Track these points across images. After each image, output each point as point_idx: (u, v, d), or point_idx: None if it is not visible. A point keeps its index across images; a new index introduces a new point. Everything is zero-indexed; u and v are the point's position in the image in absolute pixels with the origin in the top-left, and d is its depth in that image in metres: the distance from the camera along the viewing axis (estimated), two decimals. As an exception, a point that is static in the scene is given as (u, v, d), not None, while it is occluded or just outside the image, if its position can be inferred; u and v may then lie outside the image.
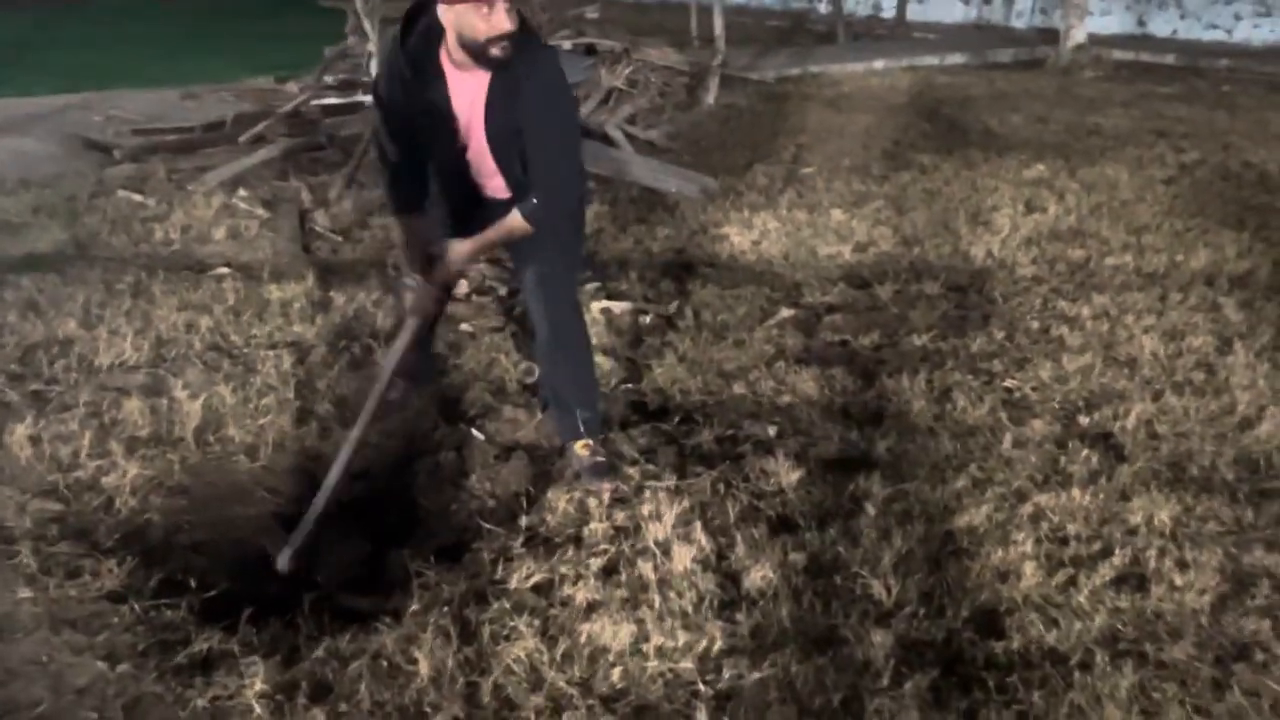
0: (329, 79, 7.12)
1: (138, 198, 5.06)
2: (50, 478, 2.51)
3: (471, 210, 2.60)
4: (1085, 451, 2.73)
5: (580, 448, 2.64)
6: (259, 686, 1.85)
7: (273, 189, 5.33)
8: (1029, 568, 2.22)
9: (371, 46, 6.33)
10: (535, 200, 2.36)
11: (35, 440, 2.65)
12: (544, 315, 2.60)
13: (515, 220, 2.40)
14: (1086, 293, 3.97)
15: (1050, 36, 13.28)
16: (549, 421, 2.86)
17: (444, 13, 2.19)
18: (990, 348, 3.45)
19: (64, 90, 8.60)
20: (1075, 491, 2.53)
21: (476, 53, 2.21)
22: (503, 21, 2.15)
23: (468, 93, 2.33)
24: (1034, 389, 3.14)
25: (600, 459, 2.62)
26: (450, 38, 2.24)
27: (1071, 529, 2.39)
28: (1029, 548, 2.30)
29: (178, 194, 5.14)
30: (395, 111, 2.41)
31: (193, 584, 2.20)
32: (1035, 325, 3.66)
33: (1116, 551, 2.30)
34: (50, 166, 5.65)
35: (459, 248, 2.53)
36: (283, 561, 2.32)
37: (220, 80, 9.15)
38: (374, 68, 6.24)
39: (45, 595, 2.07)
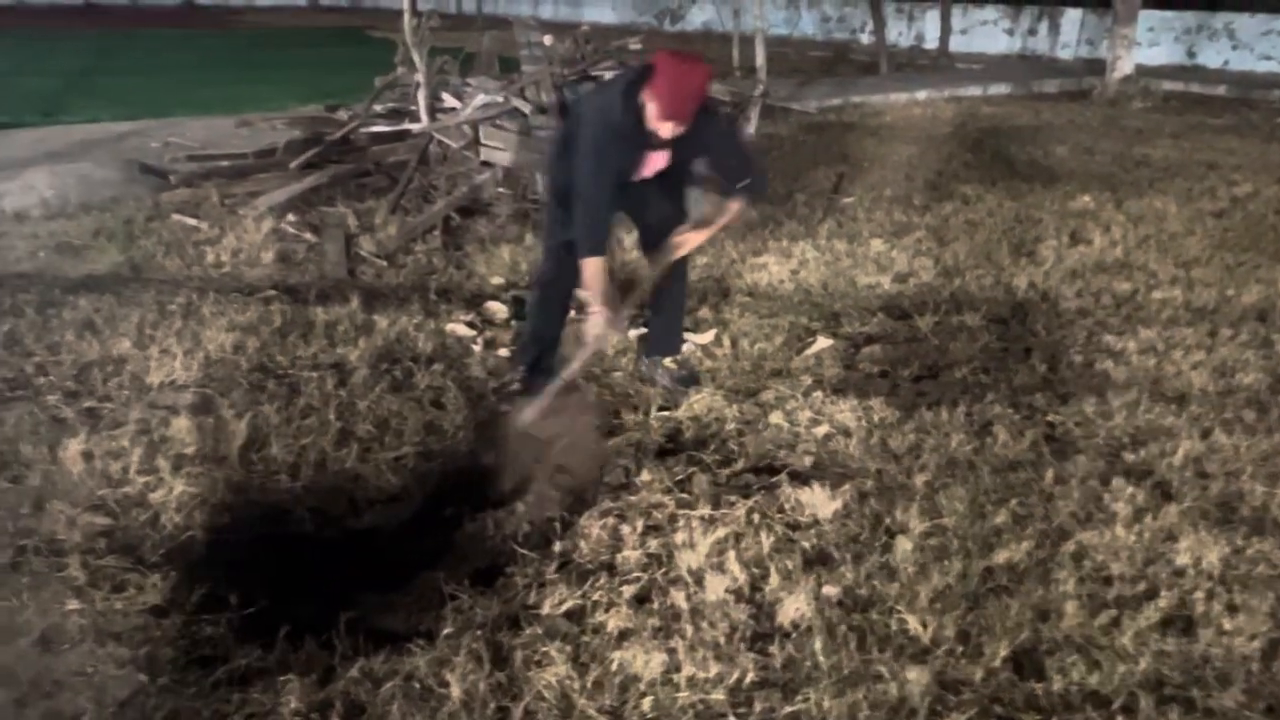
0: (378, 107, 7.28)
1: (191, 221, 5.21)
2: (100, 492, 2.58)
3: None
4: (1130, 489, 2.67)
5: (670, 363, 3.41)
6: (294, 705, 1.87)
7: (320, 214, 5.46)
8: (1070, 607, 2.17)
9: (419, 76, 6.46)
10: (745, 185, 2.99)
11: (88, 456, 2.73)
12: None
13: (735, 206, 3.03)
14: (1133, 326, 3.91)
15: (1097, 67, 13.18)
16: (653, 341, 3.47)
17: (646, 96, 2.73)
18: (1032, 381, 3.41)
19: (124, 117, 8.92)
20: (1119, 530, 2.47)
21: (646, 131, 2.78)
22: (665, 130, 2.75)
23: (657, 160, 2.91)
24: (1077, 424, 3.08)
25: (685, 372, 3.41)
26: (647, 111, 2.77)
27: (1115, 569, 2.34)
28: (1070, 587, 2.25)
29: (229, 218, 5.28)
30: (615, 168, 2.85)
31: (233, 601, 2.23)
32: (1079, 359, 3.60)
33: (1162, 593, 2.24)
34: (109, 191, 5.84)
35: (692, 234, 3.06)
36: (521, 419, 2.79)
37: (272, 108, 9.41)
38: (421, 98, 6.39)
39: (92, 607, 2.12)
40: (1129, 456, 2.88)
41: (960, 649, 2.06)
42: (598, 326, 2.88)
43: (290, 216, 5.36)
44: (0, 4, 32.44)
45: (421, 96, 6.46)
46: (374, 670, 1.99)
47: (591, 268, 2.86)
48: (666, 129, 2.76)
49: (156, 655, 2.00)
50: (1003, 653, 2.04)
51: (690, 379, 3.40)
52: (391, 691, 1.92)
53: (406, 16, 6.38)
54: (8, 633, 2.03)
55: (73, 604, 2.13)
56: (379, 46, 15.19)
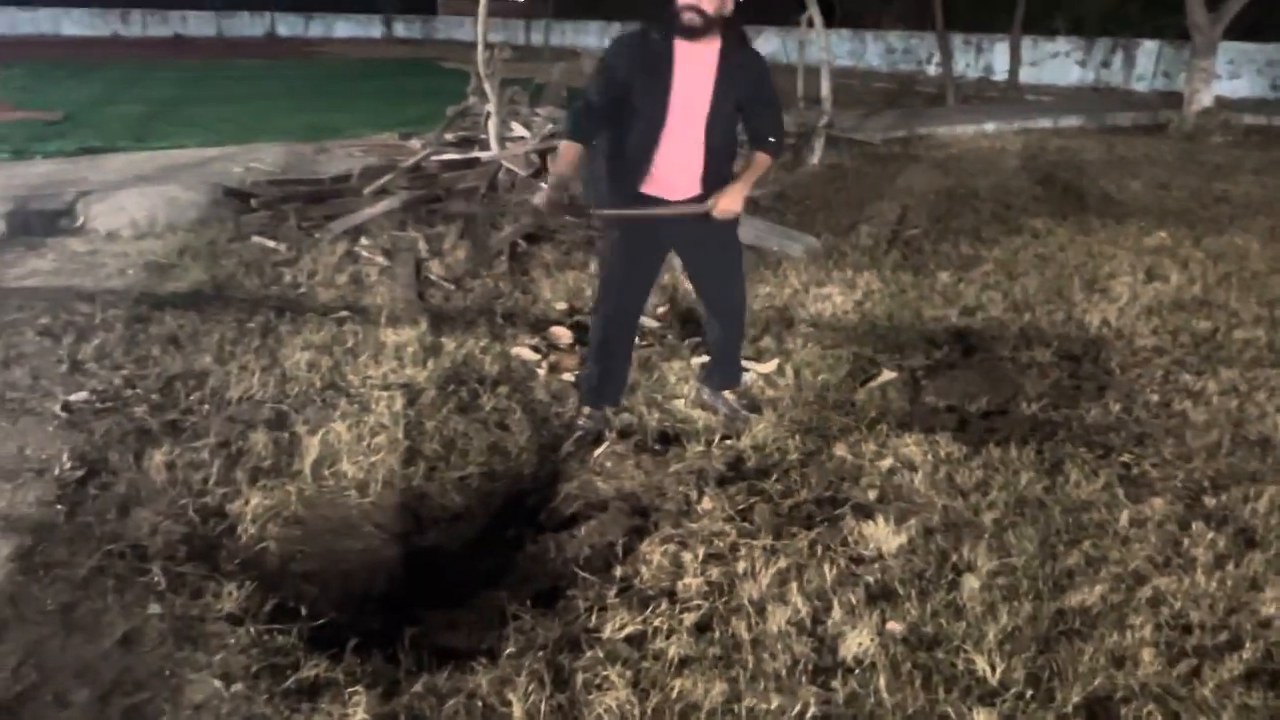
0: (449, 136, 7.49)
1: (270, 243, 5.41)
2: (181, 501, 2.68)
3: (632, 196, 3.02)
4: (1211, 534, 2.57)
5: (729, 395, 3.43)
6: (361, 716, 1.91)
7: (392, 238, 5.61)
8: (1147, 655, 2.10)
9: (490, 106, 6.64)
10: (774, 141, 3.06)
11: (170, 466, 2.84)
12: (733, 283, 3.27)
13: (766, 160, 3.05)
14: (1213, 366, 3.78)
15: (1174, 100, 12.86)
16: (714, 374, 3.47)
17: None
18: (1106, 420, 3.32)
19: (209, 143, 9.32)
20: (1200, 576, 2.39)
21: (674, 15, 2.77)
22: None
23: (693, 69, 2.85)
24: (1154, 465, 2.99)
25: (745, 401, 3.44)
26: None
27: (1195, 616, 2.25)
28: (1147, 633, 2.18)
29: (306, 241, 5.47)
30: (615, 71, 2.88)
31: (303, 612, 2.29)
32: (1156, 398, 3.50)
33: (1246, 644, 2.15)
34: (195, 212, 6.10)
35: (733, 193, 2.97)
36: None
37: (349, 135, 9.75)
38: (492, 127, 6.55)
39: (171, 612, 2.20)
40: (1209, 501, 2.78)
41: (1030, 693, 2.01)
42: (537, 198, 2.96)
43: (363, 240, 5.53)
44: (96, 36, 34.30)
45: (492, 125, 6.63)
46: (438, 686, 2.02)
47: (561, 147, 2.98)
48: None
49: (230, 661, 2.06)
50: (1075, 699, 1.98)
51: (751, 407, 3.40)
52: (455, 708, 1.95)
53: (480, 49, 6.56)
54: (93, 632, 2.12)
55: (154, 608, 2.21)
56: (450, 77, 15.63)
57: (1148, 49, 17.30)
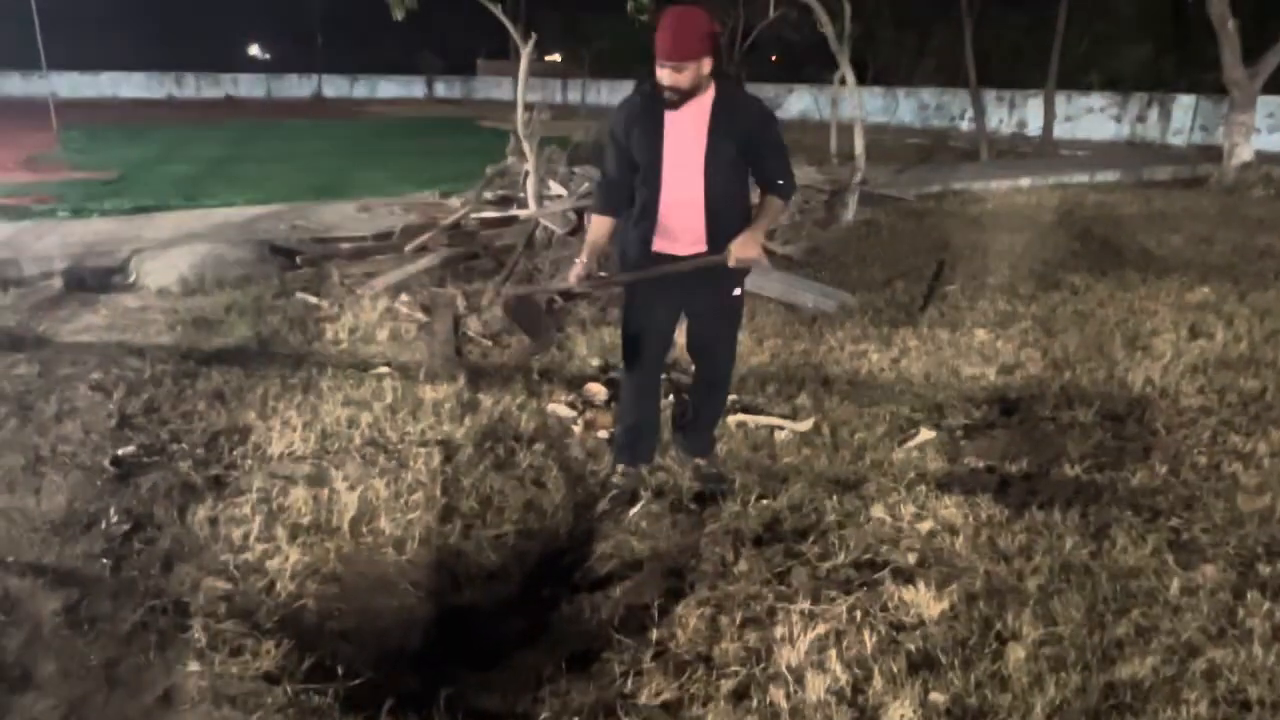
0: (488, 195, 7.66)
1: (313, 300, 5.53)
2: (223, 557, 2.72)
3: (646, 254, 3.05)
4: (1267, 605, 2.49)
5: (700, 461, 3.38)
6: (395, 781, 1.89)
7: (431, 295, 5.72)
8: (1204, 732, 2.02)
9: (529, 165, 6.79)
10: (782, 184, 2.98)
11: (213, 521, 2.89)
12: (725, 357, 3.29)
13: (776, 203, 3.00)
14: (1263, 427, 3.69)
15: (1212, 154, 12.77)
16: (685, 438, 3.46)
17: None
18: (1153, 483, 3.24)
19: (256, 201, 9.61)
20: (1257, 649, 2.30)
21: (659, 92, 2.84)
22: (664, 77, 2.79)
23: (683, 122, 2.88)
24: (1204, 531, 2.91)
25: (715, 470, 3.38)
26: None
27: (1253, 692, 2.17)
28: (1204, 709, 2.10)
29: (348, 297, 5.59)
30: (617, 137, 3.00)
31: (340, 671, 2.29)
32: (1204, 460, 3.42)
33: (1309, 723, 2.06)
34: (241, 269, 6.27)
35: (746, 239, 2.89)
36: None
37: (390, 194, 10.00)
38: (530, 185, 6.70)
39: (210, 670, 2.21)
40: (1264, 569, 2.69)
41: (1081, 770, 1.94)
42: (570, 272, 3.01)
43: (403, 296, 5.64)
44: (152, 98, 35.80)
45: (530, 183, 6.77)
46: (472, 751, 2.00)
47: (593, 221, 3.13)
48: (664, 74, 2.77)
49: (268, 722, 2.06)
50: (1129, 778, 1.91)
51: (717, 479, 3.32)
52: (489, 774, 1.93)
53: (519, 110, 6.75)
54: (135, 688, 2.14)
55: (193, 665, 2.22)
56: (488, 135, 16.05)
57: (1184, 103, 17.27)
